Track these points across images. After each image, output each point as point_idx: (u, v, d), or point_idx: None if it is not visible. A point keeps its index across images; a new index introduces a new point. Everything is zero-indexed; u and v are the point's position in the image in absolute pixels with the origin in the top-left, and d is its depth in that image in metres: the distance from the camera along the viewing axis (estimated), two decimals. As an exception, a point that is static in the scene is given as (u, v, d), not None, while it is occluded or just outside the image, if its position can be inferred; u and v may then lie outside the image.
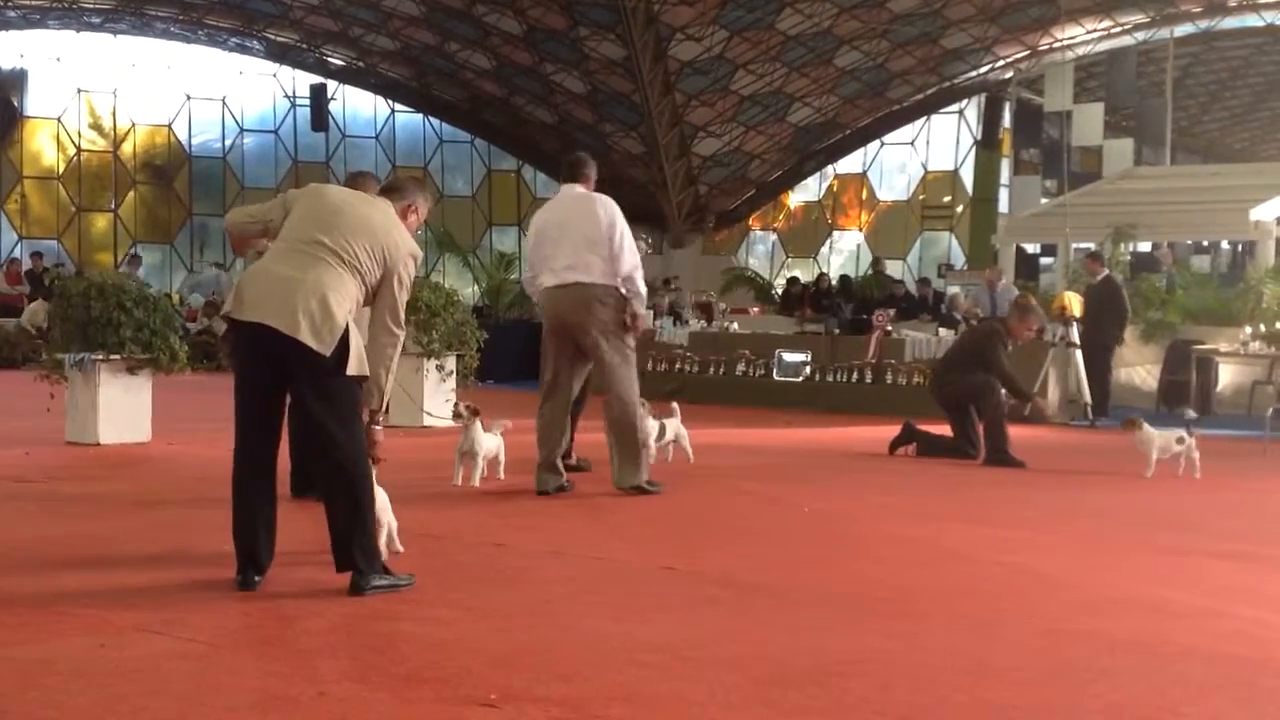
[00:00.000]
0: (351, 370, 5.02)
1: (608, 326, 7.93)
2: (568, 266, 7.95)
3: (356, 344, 5.04)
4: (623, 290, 7.95)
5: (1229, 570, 6.09)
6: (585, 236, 7.91)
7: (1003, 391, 10.50)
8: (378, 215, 5.27)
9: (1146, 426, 9.69)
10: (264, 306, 4.96)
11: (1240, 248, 20.41)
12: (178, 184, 30.86)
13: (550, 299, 8.07)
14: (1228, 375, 15.36)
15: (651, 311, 18.90)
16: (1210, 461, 9.94)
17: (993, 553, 6.40)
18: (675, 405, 9.87)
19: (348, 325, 4.99)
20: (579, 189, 8.21)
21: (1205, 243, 21.17)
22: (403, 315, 5.29)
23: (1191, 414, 9.87)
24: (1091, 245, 18.06)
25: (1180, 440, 9.52)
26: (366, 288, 5.15)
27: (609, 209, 7.98)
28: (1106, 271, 15.09)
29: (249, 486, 5.12)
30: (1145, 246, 19.19)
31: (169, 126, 30.65)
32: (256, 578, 5.06)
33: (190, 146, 30.87)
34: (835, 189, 32.39)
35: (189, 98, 30.53)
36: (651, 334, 16.50)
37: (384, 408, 5.35)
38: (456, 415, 8.26)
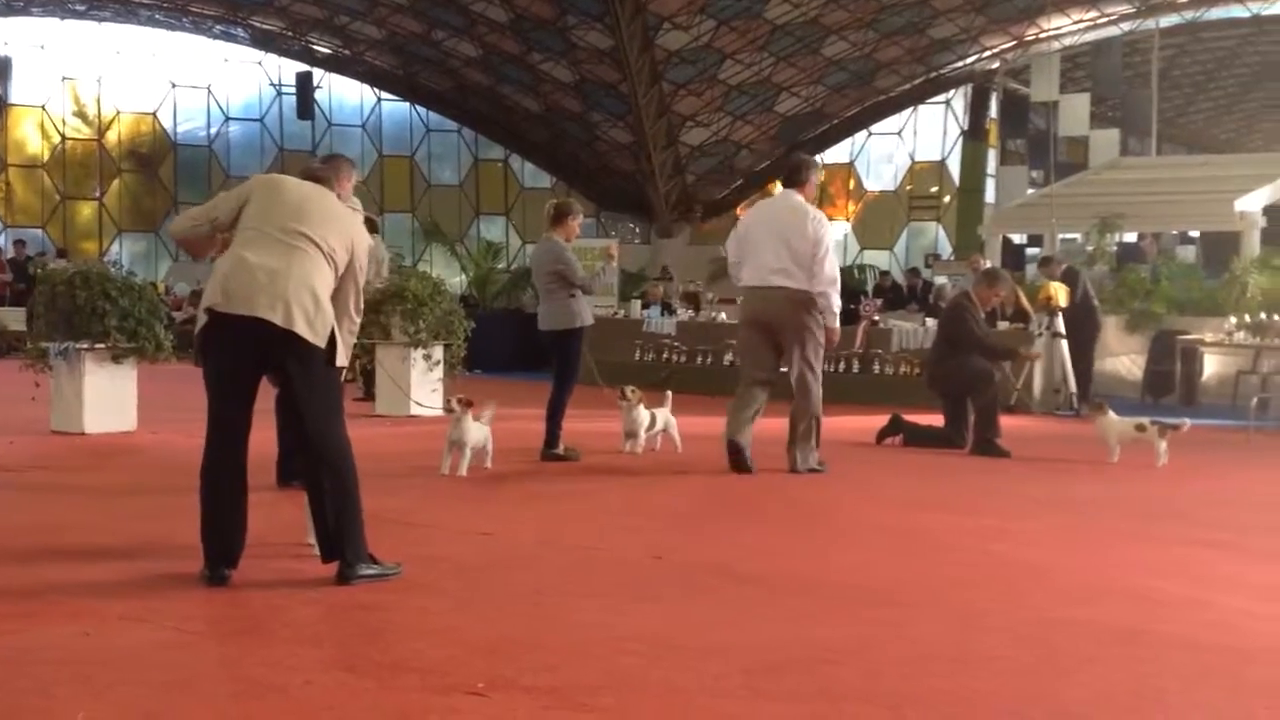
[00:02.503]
0: (340, 360, 5.06)
1: (805, 328, 8.66)
2: (774, 271, 8.64)
3: (340, 334, 5.07)
4: (819, 305, 8.65)
5: (1214, 560, 6.11)
6: (792, 247, 8.57)
7: (997, 378, 10.54)
8: (339, 207, 5.32)
9: (1110, 413, 9.78)
10: (255, 299, 4.92)
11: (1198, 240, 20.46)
12: (163, 172, 30.73)
13: (754, 298, 8.89)
14: (1212, 365, 15.39)
15: (652, 305, 18.88)
16: (1195, 451, 9.99)
17: (979, 542, 6.42)
18: (669, 394, 9.96)
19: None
20: (796, 196, 8.82)
21: (1192, 233, 21.20)
22: (362, 301, 5.33)
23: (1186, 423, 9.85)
24: (1077, 236, 18.09)
25: (1140, 428, 9.58)
26: (338, 274, 5.15)
27: (818, 227, 8.63)
28: (1065, 265, 15.05)
29: (224, 481, 5.05)
30: (1131, 237, 19.23)
31: (154, 114, 30.51)
32: (228, 571, 5.00)
33: (175, 134, 30.74)
34: (822, 179, 32.41)
35: (174, 85, 30.39)
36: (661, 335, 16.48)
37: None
38: (448, 409, 8.30)
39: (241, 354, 5.02)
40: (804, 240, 8.56)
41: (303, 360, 4.97)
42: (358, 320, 5.33)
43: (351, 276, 5.20)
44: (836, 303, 8.73)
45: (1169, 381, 15.36)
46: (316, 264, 5.04)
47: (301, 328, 4.91)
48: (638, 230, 31.57)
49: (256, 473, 5.28)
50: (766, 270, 8.68)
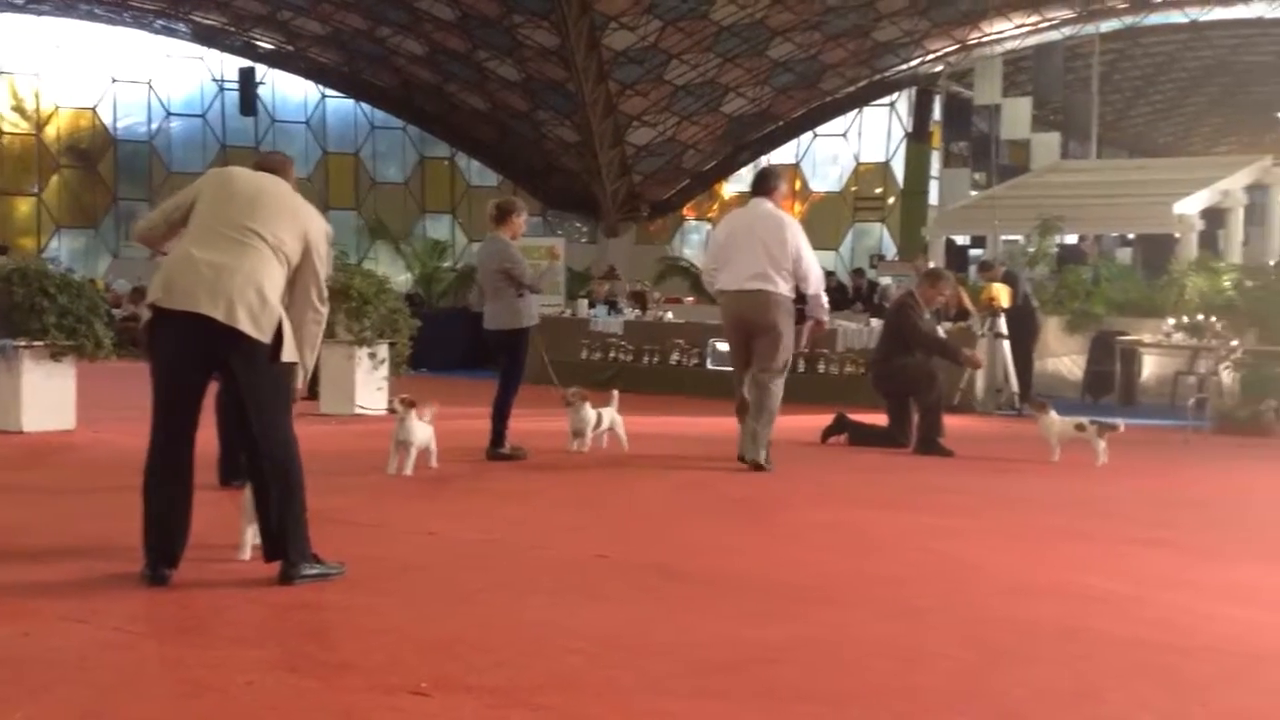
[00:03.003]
0: (286, 357, 4.99)
1: (778, 329, 9.03)
2: (752, 275, 9.03)
3: (289, 330, 5.01)
4: (809, 305, 9.34)
5: (1151, 557, 6.20)
6: (770, 254, 9.01)
7: (940, 379, 10.63)
8: (293, 198, 5.23)
9: (1052, 413, 9.89)
10: (197, 295, 4.85)
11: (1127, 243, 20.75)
12: (102, 168, 30.31)
13: (733, 300, 9.20)
14: (1151, 366, 15.61)
15: (588, 301, 18.88)
16: (1133, 451, 10.13)
17: (921, 540, 6.47)
18: (615, 393, 10.00)
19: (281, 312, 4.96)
20: (767, 204, 9.33)
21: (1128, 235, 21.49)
22: (325, 291, 5.24)
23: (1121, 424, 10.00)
24: (1019, 237, 18.26)
25: (1080, 427, 9.71)
26: (290, 271, 5.09)
27: (794, 234, 9.15)
28: (1004, 268, 15.23)
29: (168, 480, 4.98)
30: (1072, 238, 19.45)
31: (93, 110, 30.11)
32: (168, 571, 4.93)
33: (115, 130, 30.33)
34: (785, 187, 32.50)
35: (114, 80, 30.00)
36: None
37: (305, 386, 5.33)
38: (392, 410, 8.27)
39: (185, 351, 4.96)
40: (782, 247, 9.00)
41: (247, 357, 4.91)
42: (323, 310, 5.22)
43: (310, 267, 5.13)
44: (825, 303, 9.57)
45: (1108, 382, 15.56)
46: (265, 260, 4.97)
47: (244, 324, 4.85)
48: (584, 229, 31.54)
49: (198, 471, 5.22)
50: (744, 275, 9.05)
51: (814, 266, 9.24)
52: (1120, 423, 9.95)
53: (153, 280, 5.08)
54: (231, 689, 3.69)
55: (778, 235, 9.06)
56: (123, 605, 4.65)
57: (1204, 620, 4.86)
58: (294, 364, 5.08)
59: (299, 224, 5.12)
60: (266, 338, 4.91)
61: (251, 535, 5.28)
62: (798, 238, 9.12)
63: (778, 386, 9.11)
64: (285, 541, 4.95)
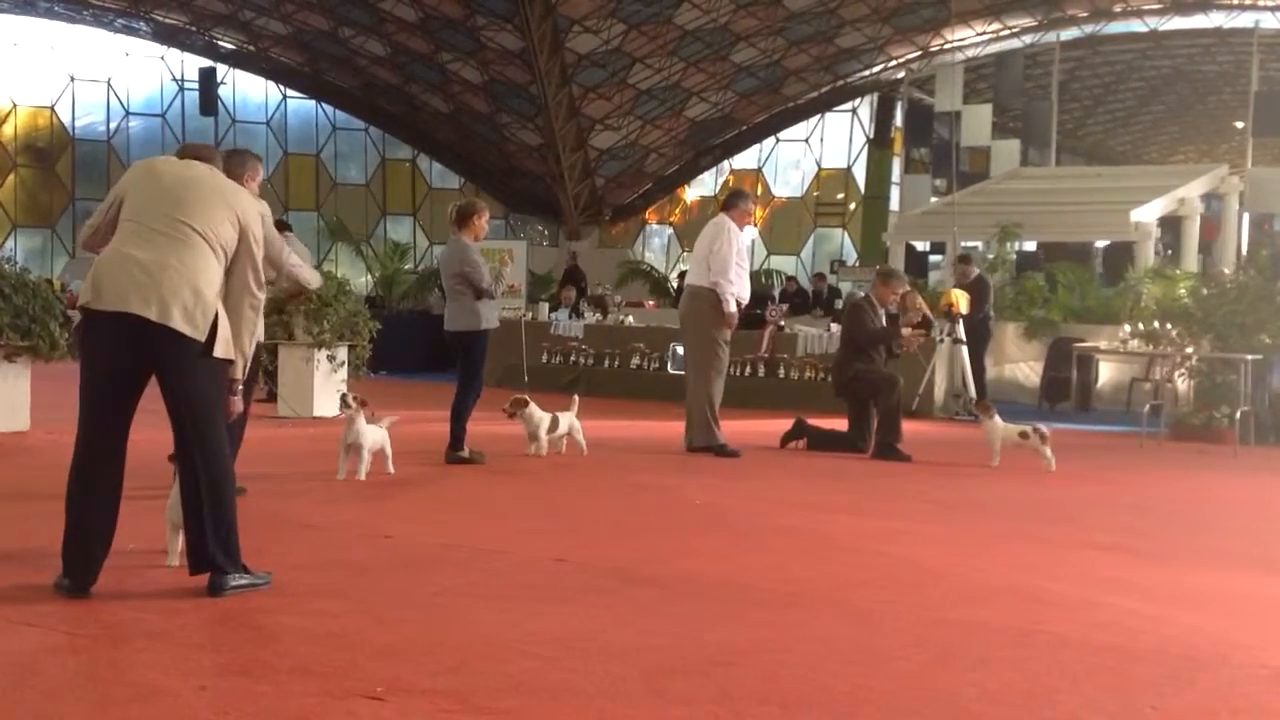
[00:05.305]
0: (219, 353, 4.84)
1: (699, 324, 10.06)
2: (689, 274, 10.47)
3: (224, 326, 4.87)
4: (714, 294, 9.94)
5: (1104, 561, 6.25)
6: (697, 252, 10.24)
7: (900, 383, 10.67)
8: (218, 180, 5.09)
9: (996, 417, 9.95)
10: (128, 295, 4.71)
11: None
12: (60, 167, 30.03)
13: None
14: (1107, 372, 15.77)
15: (550, 304, 18.87)
16: (1088, 456, 10.23)
17: (878, 544, 6.51)
18: (575, 398, 10.03)
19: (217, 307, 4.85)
20: (723, 218, 10.17)
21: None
22: (263, 275, 5.11)
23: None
24: (979, 244, 18.41)
25: (1024, 434, 9.77)
26: (227, 260, 4.95)
27: (716, 230, 10.05)
28: (977, 271, 15.38)
29: (94, 486, 4.82)
30: (1030, 245, 19.62)
31: (51, 108, 29.83)
32: (87, 585, 4.79)
33: (73, 129, 30.05)
34: (731, 184, 32.64)
35: (73, 79, 29.73)
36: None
37: (245, 374, 5.21)
38: (345, 405, 8.11)
39: (117, 352, 4.79)
40: (704, 243, 10.09)
41: (181, 357, 4.77)
42: (261, 295, 5.08)
43: (246, 252, 4.98)
44: (728, 291, 9.87)
45: (1065, 388, 15.70)
46: (200, 255, 4.83)
47: (178, 322, 4.71)
48: (546, 232, 31.52)
49: (141, 478, 5.18)
50: (689, 276, 10.39)
51: (717, 259, 9.88)
52: (1049, 426, 9.99)
53: (84, 283, 4.91)
54: (184, 693, 3.67)
55: (707, 239, 10.11)
56: (73, 609, 4.61)
57: (1153, 622, 4.92)
58: (230, 361, 4.94)
59: (230, 209, 4.96)
60: (201, 335, 4.77)
61: (179, 542, 5.18)
62: (717, 233, 9.96)
63: (705, 372, 9.95)
64: (213, 550, 4.81)
